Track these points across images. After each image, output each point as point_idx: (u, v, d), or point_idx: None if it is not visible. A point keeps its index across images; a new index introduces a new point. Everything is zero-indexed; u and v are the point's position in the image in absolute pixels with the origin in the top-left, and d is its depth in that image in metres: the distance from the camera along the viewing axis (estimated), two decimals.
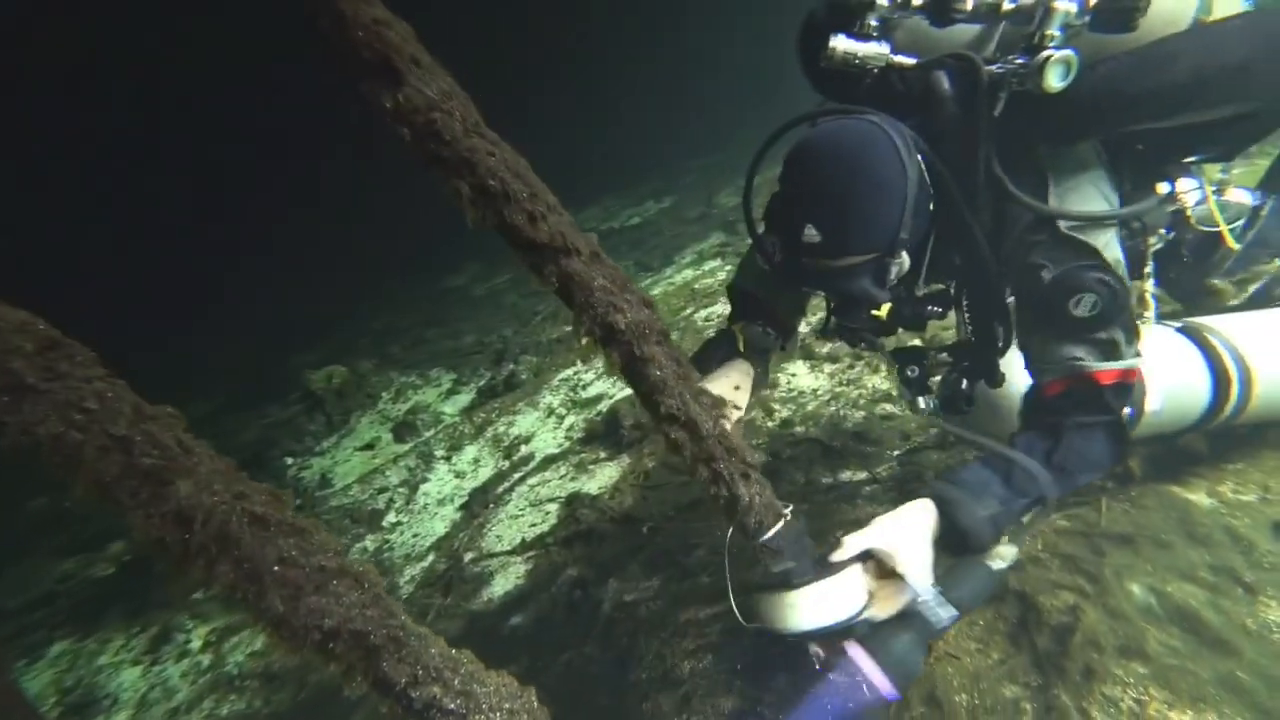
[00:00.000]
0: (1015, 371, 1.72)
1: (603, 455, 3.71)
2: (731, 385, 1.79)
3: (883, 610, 1.36)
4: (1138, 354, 1.54)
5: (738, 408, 1.72)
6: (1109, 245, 1.52)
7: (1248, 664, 1.24)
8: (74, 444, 0.83)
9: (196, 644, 3.54)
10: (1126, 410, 1.56)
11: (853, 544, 1.39)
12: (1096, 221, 1.51)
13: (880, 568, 1.38)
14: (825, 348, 3.64)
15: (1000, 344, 1.67)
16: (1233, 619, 1.31)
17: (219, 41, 12.50)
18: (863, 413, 3.02)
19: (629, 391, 4.44)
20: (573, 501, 3.31)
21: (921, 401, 1.76)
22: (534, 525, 3.33)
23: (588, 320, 1.21)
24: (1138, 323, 1.56)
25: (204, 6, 12.21)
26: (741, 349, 1.88)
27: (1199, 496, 1.58)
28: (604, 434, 3.88)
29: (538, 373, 5.22)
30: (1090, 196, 1.54)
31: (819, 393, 3.33)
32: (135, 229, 13.55)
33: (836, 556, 1.38)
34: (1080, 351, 1.51)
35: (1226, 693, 1.21)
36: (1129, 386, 1.53)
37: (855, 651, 1.32)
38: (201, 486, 0.90)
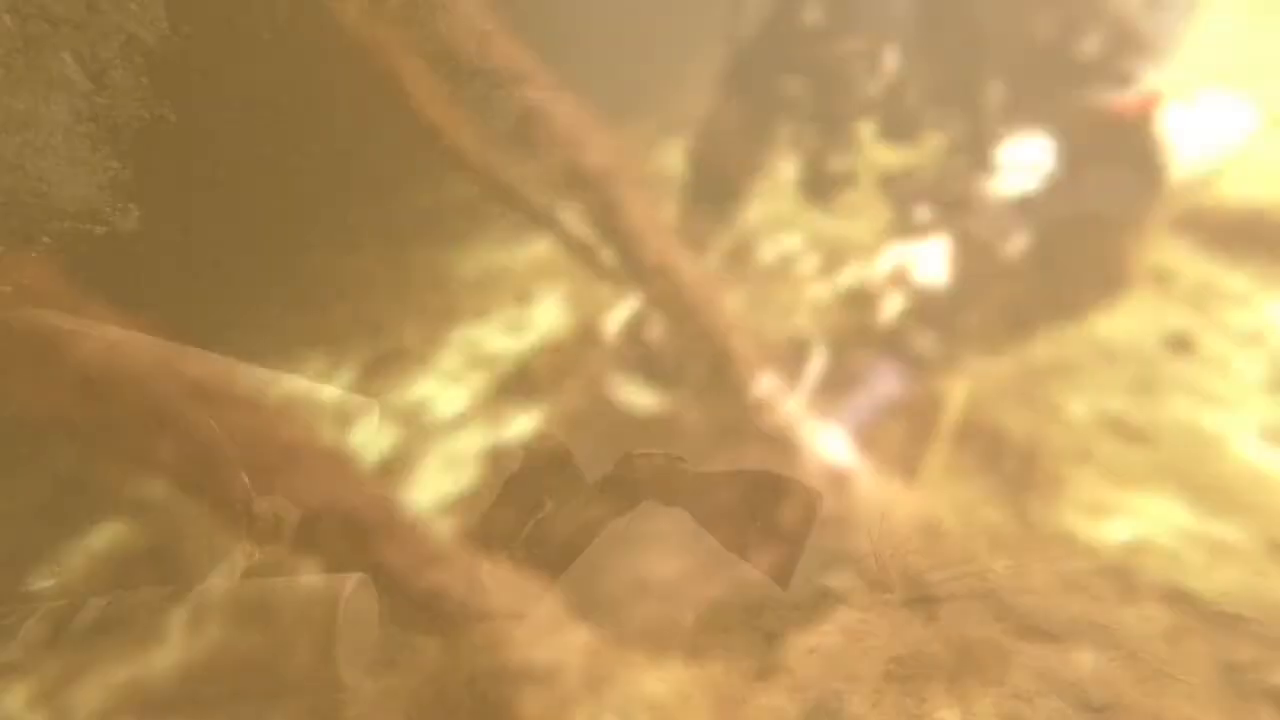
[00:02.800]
0: None
1: (519, 406, 3.56)
2: None
3: None
4: None
5: None
6: None
7: (1167, 450, 1.45)
8: None
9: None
10: None
11: None
12: None
13: None
14: None
15: None
16: (1154, 420, 1.51)
17: None
18: None
19: (537, 339, 4.26)
20: (495, 452, 3.15)
21: None
22: (455, 481, 3.14)
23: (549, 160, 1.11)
24: None
25: None
26: None
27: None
28: (516, 386, 3.73)
29: (426, 338, 4.90)
30: None
31: None
32: None
33: None
34: None
35: (1158, 473, 1.39)
36: None
37: None
38: None
